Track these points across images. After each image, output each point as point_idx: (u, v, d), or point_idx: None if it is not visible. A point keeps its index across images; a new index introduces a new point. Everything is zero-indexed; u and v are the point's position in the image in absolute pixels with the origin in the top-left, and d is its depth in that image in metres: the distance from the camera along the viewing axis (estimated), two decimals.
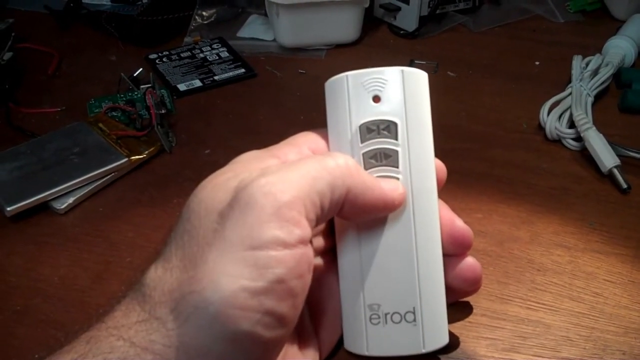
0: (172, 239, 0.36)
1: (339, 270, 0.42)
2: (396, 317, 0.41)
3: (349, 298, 0.42)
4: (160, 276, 0.34)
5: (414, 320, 0.41)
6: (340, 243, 0.42)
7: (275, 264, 0.33)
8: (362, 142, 0.40)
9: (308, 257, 0.35)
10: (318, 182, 0.35)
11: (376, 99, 0.41)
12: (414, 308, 0.41)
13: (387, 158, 0.41)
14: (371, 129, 0.40)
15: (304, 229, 0.34)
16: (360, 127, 0.40)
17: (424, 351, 0.41)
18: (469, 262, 0.43)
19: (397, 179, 0.40)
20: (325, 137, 0.42)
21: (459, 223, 0.42)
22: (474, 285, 0.44)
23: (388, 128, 0.40)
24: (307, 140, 0.41)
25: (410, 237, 0.41)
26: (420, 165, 0.41)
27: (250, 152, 0.40)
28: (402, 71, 0.41)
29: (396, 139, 0.40)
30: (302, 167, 0.36)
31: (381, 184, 0.39)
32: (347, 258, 0.42)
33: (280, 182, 0.34)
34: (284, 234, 0.33)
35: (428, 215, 0.41)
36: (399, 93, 0.41)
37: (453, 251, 0.42)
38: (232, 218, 0.33)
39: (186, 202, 0.36)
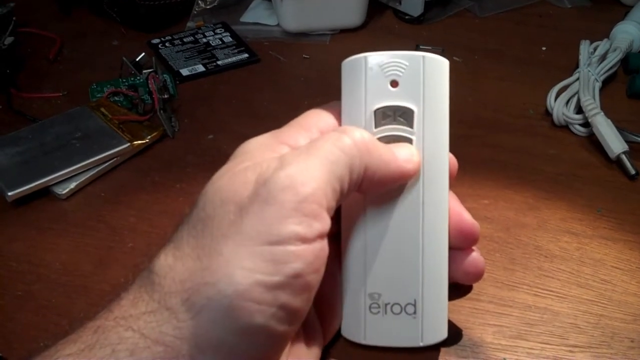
0: (185, 226, 0.35)
1: (342, 256, 0.42)
2: (396, 308, 0.40)
3: (351, 285, 0.41)
4: (171, 264, 0.33)
5: (414, 312, 0.40)
6: (346, 229, 0.41)
7: (293, 259, 0.32)
8: (376, 127, 0.40)
9: (325, 251, 0.34)
10: (337, 167, 0.35)
11: (394, 83, 0.39)
12: (415, 300, 0.40)
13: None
14: (387, 115, 0.39)
15: (324, 222, 0.34)
16: (375, 111, 0.39)
17: (421, 344, 0.41)
18: (474, 257, 0.42)
19: (410, 140, 0.39)
20: (334, 114, 0.41)
21: (467, 217, 0.42)
22: (475, 279, 0.43)
23: (404, 115, 0.39)
24: (317, 120, 0.40)
25: (417, 228, 0.40)
26: (433, 156, 0.40)
27: (257, 138, 0.39)
28: (424, 57, 0.40)
29: (411, 126, 0.39)
30: (319, 151, 0.35)
31: (397, 156, 0.38)
32: (352, 244, 0.41)
33: (299, 173, 0.33)
34: (304, 229, 0.33)
35: (437, 208, 0.40)
36: (418, 79, 0.39)
37: (459, 244, 0.42)
38: (250, 212, 0.33)
39: (202, 190, 0.35)
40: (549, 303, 0.49)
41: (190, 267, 0.33)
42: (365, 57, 0.40)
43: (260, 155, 0.36)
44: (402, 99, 0.39)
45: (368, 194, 0.40)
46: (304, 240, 0.33)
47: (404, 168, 0.38)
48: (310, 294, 0.34)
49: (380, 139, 0.39)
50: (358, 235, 0.41)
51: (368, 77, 0.39)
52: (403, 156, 0.38)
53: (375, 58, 0.40)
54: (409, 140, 0.40)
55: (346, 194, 0.36)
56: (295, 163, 0.34)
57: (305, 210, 0.33)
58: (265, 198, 0.33)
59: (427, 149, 0.40)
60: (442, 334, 0.41)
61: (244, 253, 0.32)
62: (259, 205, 0.33)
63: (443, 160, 0.41)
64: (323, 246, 0.34)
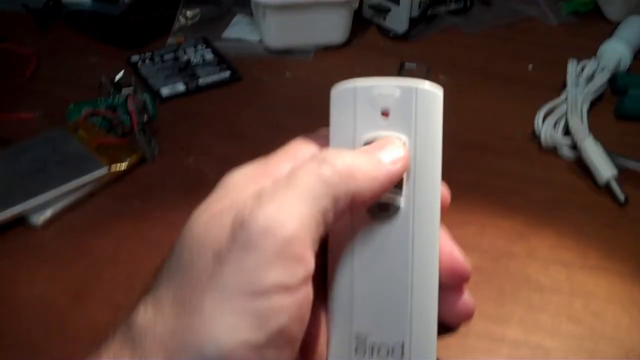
0: (164, 275, 0.33)
1: (328, 296, 0.40)
2: (383, 351, 0.39)
3: (337, 325, 0.40)
4: (151, 320, 0.32)
5: (402, 355, 0.39)
6: (332, 267, 0.40)
7: (277, 313, 0.31)
8: None
9: (309, 297, 0.33)
10: (319, 200, 0.32)
11: (385, 113, 0.38)
12: (402, 342, 0.39)
13: None
14: None
15: (308, 264, 0.32)
16: (365, 143, 0.38)
17: None
18: (465, 299, 0.41)
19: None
20: (323, 142, 0.39)
21: (458, 255, 0.40)
22: (465, 320, 0.42)
23: None
24: (305, 149, 0.38)
25: (407, 266, 0.38)
26: (425, 190, 0.39)
27: (241, 169, 0.37)
28: (416, 89, 0.38)
29: None
30: (299, 184, 0.33)
31: (383, 162, 0.36)
32: (339, 282, 0.39)
33: (278, 212, 0.31)
34: (287, 277, 0.31)
35: (428, 245, 0.39)
36: (410, 111, 0.38)
37: (449, 283, 0.40)
38: (230, 261, 0.31)
39: (180, 235, 0.34)
40: (540, 339, 0.48)
41: (171, 326, 0.31)
42: (355, 87, 0.38)
43: (243, 190, 0.35)
44: (393, 130, 0.38)
45: (355, 228, 0.38)
46: (288, 289, 0.31)
47: (393, 171, 0.36)
48: (295, 345, 0.33)
49: None
50: (345, 272, 0.39)
51: (358, 106, 0.38)
52: (390, 158, 0.37)
53: (366, 87, 0.38)
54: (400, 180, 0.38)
55: (332, 222, 0.34)
56: (274, 201, 0.32)
57: (287, 255, 0.31)
58: (244, 244, 0.31)
59: (418, 181, 0.39)
60: None
61: (227, 309, 0.30)
62: (238, 252, 0.31)
63: (435, 194, 0.40)
64: (307, 293, 0.33)
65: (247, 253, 0.31)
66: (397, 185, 0.38)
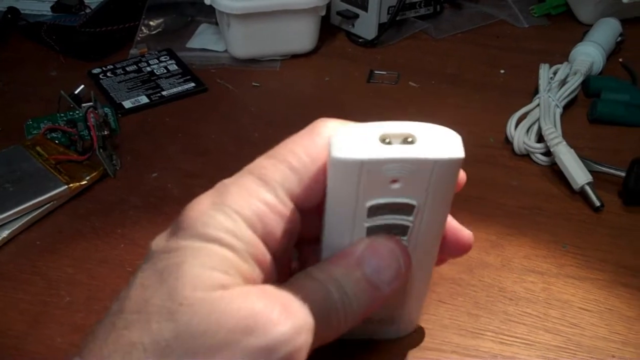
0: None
1: None
2: None
3: None
4: None
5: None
6: None
7: None
8: (368, 217, 0.35)
9: None
10: None
11: (394, 181, 0.33)
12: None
13: (396, 229, 0.36)
14: (383, 209, 0.35)
15: None
16: (369, 209, 0.34)
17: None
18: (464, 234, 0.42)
19: (406, 229, 0.36)
20: (284, 167, 0.35)
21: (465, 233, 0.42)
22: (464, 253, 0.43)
23: (403, 210, 0.35)
24: (262, 181, 0.35)
25: None
26: (425, 244, 0.38)
27: (196, 203, 0.34)
28: (435, 162, 0.33)
29: (410, 216, 0.35)
30: None
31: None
32: None
33: None
34: None
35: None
36: (424, 182, 0.33)
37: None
38: None
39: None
40: (516, 351, 0.47)
41: None
42: (362, 161, 0.32)
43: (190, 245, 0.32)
44: (403, 197, 0.34)
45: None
46: None
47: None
48: None
49: (371, 227, 0.35)
50: None
51: (363, 177, 0.33)
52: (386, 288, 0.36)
53: (375, 161, 0.32)
54: (405, 229, 0.36)
55: None
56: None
57: None
58: None
59: (424, 227, 0.36)
60: None
61: None
62: None
63: (436, 240, 0.39)
64: None
65: None
66: (402, 233, 0.36)
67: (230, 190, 0.33)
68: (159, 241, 0.33)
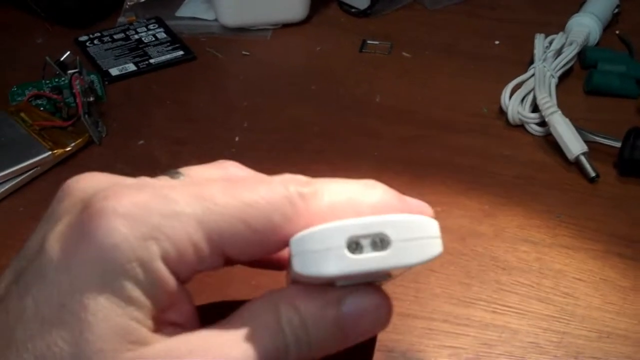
0: None
1: None
2: None
3: None
4: None
5: None
6: None
7: None
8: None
9: None
10: None
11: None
12: None
13: None
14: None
15: None
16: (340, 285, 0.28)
17: None
18: None
19: None
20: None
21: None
22: None
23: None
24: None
25: None
26: None
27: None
28: (411, 266, 0.27)
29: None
30: None
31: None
32: None
33: None
34: None
35: None
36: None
37: None
38: None
39: None
40: (508, 320, 0.46)
41: None
42: (329, 277, 0.27)
43: None
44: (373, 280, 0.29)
45: None
46: None
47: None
48: None
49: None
50: None
51: (331, 282, 0.28)
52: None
53: (344, 274, 0.27)
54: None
55: None
56: None
57: None
58: None
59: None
60: None
61: None
62: None
63: None
64: None
65: None
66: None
67: None
68: None
